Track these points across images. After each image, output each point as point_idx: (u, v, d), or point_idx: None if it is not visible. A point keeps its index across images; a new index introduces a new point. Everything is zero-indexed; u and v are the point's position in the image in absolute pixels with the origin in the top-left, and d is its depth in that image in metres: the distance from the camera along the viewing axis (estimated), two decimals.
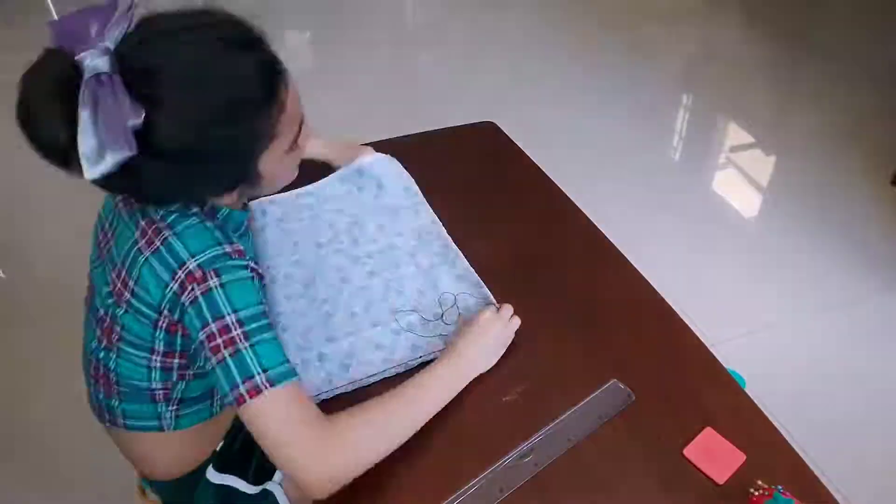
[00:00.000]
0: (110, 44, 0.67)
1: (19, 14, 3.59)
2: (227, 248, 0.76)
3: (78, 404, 1.66)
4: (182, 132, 0.70)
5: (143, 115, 0.65)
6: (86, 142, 0.64)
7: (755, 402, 0.91)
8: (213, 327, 0.72)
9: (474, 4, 3.96)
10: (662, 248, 2.12)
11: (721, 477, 0.81)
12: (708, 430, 0.86)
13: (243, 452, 0.99)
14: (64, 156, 0.67)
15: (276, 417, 0.73)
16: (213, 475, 0.97)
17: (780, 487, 0.76)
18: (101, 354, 0.86)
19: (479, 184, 1.33)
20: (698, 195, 2.55)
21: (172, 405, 0.89)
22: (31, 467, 1.59)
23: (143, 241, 0.77)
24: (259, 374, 0.72)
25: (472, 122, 1.51)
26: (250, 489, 0.97)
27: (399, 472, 0.82)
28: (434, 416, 0.87)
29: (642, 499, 0.80)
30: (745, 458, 0.82)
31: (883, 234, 2.29)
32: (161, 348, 0.82)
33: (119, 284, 0.79)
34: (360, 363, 0.94)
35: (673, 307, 1.05)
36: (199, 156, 0.73)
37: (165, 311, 0.76)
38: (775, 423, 0.87)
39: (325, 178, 1.27)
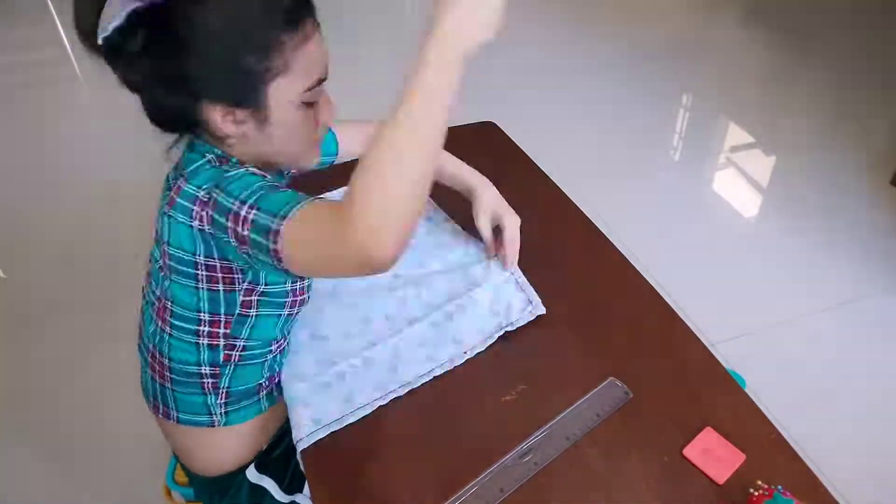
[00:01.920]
0: None
1: (21, 15, 3.59)
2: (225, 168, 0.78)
3: (93, 405, 1.67)
4: (201, 14, 0.71)
5: None
6: (108, 7, 0.68)
7: (755, 402, 0.91)
8: (230, 224, 0.72)
9: None
10: (662, 248, 2.12)
11: (721, 477, 0.81)
12: (708, 430, 0.86)
13: (282, 459, 1.00)
14: (95, 40, 0.70)
15: (306, 238, 0.68)
16: (252, 474, 0.98)
17: (780, 487, 0.76)
18: (157, 339, 0.90)
19: None
20: (698, 195, 2.56)
21: (221, 397, 0.92)
22: (53, 469, 1.59)
23: (166, 202, 0.80)
24: (273, 221, 0.69)
25: (472, 122, 1.51)
26: (282, 497, 0.98)
27: (399, 473, 0.82)
28: (434, 417, 0.88)
29: (642, 499, 0.80)
30: (744, 458, 0.82)
31: (883, 233, 2.29)
32: (206, 315, 0.84)
33: (161, 256, 0.83)
34: (406, 362, 0.94)
35: (673, 307, 1.05)
36: (210, 45, 0.72)
37: (200, 257, 0.79)
38: (775, 423, 0.87)
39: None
